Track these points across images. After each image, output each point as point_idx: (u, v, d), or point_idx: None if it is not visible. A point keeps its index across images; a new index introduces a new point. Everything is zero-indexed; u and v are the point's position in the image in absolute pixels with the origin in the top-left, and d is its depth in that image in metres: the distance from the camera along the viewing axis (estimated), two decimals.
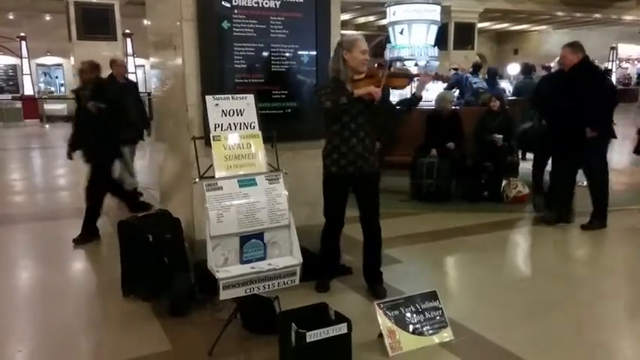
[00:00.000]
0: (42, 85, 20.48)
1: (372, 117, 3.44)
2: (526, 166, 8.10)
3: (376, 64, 3.76)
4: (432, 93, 7.71)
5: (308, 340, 2.47)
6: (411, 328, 2.94)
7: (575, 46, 5.06)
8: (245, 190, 2.80)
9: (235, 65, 3.71)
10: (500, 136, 6.32)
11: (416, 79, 3.69)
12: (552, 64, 10.87)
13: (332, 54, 3.55)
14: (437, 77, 7.89)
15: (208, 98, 2.88)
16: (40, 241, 5.21)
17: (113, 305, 3.57)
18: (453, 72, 12.12)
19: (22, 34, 18.59)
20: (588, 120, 4.94)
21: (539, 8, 19.36)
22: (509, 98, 8.90)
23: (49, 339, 3.18)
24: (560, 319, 3.37)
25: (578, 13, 20.39)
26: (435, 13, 13.54)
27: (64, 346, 3.09)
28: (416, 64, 13.40)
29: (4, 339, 3.21)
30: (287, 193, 2.91)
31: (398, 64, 13.81)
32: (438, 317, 3.02)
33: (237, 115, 2.91)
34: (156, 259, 3.47)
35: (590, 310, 3.51)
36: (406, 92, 5.18)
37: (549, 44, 26.44)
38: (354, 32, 22.15)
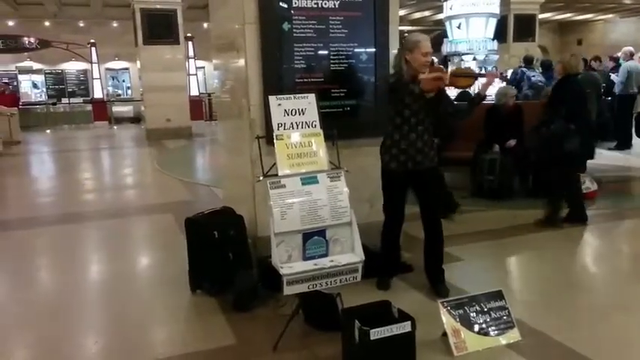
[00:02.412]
0: (110, 89, 21.42)
1: (432, 113, 3.42)
2: (595, 161, 7.80)
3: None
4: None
5: (372, 338, 2.48)
6: (476, 327, 2.90)
7: None
8: (307, 188, 2.85)
9: (295, 65, 3.77)
10: None
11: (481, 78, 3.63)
12: (620, 54, 10.42)
13: (394, 53, 3.55)
14: (500, 77, 7.67)
15: (271, 98, 2.95)
16: (111, 237, 5.46)
17: (181, 299, 3.70)
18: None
19: (92, 41, 19.53)
20: None
21: None
22: None
23: (122, 330, 3.35)
24: (633, 320, 3.23)
25: None
26: (493, 5, 13.17)
27: (137, 337, 3.24)
28: (474, 59, 13.09)
29: (83, 330, 3.41)
30: (348, 191, 2.93)
31: (455, 59, 13.55)
32: (504, 317, 2.96)
33: (299, 114, 2.97)
34: (221, 255, 3.59)
35: None
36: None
37: (616, 34, 25.10)
38: (412, 28, 21.91)
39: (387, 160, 3.49)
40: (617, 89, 9.44)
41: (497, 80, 6.18)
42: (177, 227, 5.06)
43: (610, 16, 24.00)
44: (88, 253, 5.12)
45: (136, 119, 18.97)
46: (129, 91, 21.70)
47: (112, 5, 17.70)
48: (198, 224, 3.75)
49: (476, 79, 3.68)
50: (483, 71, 9.69)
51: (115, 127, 18.32)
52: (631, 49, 9.94)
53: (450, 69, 3.44)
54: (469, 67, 8.89)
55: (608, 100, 9.71)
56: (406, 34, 3.49)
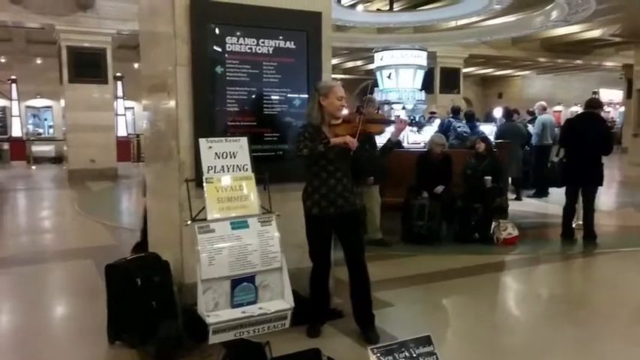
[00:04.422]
0: (30, 127, 20.45)
1: (349, 159, 3.49)
2: (516, 208, 8.21)
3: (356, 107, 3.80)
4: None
5: None
6: None
7: None
8: (237, 233, 2.78)
9: (228, 108, 3.74)
10: (489, 177, 6.37)
11: (392, 125, 3.75)
12: (534, 109, 11.20)
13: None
14: (415, 125, 7.99)
15: (202, 141, 2.89)
16: (24, 285, 5.07)
17: (98, 352, 3.46)
18: (429, 116, 12.39)
19: (13, 77, 18.71)
20: None
21: (522, 54, 19.94)
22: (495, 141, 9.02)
23: None
24: None
25: (560, 59, 21.01)
26: (421, 58, 13.91)
27: None
28: (403, 108, 13.66)
29: None
30: (279, 235, 2.88)
31: (386, 107, 14.06)
32: None
33: (231, 157, 2.92)
34: (143, 304, 3.39)
35: (586, 352, 3.49)
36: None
37: (533, 89, 27.12)
38: (344, 77, 22.63)
39: (310, 206, 3.48)
40: (534, 140, 10.06)
41: (408, 127, 6.40)
42: (97, 274, 4.77)
43: (527, 72, 25.92)
44: None
45: (58, 159, 18.11)
46: (51, 130, 20.79)
47: (36, 42, 17.10)
48: (120, 271, 3.54)
49: (387, 125, 3.80)
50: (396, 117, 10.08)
51: (34, 168, 17.37)
52: (543, 103, 10.75)
53: (362, 117, 3.50)
54: (381, 113, 9.21)
55: (527, 150, 10.32)
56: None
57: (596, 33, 16.35)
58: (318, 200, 3.45)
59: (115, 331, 3.53)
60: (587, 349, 3.55)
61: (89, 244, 6.55)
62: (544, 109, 10.51)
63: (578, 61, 21.45)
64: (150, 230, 4.77)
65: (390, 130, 3.86)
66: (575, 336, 3.74)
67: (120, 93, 18.88)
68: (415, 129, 7.23)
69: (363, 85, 23.94)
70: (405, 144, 8.82)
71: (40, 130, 20.85)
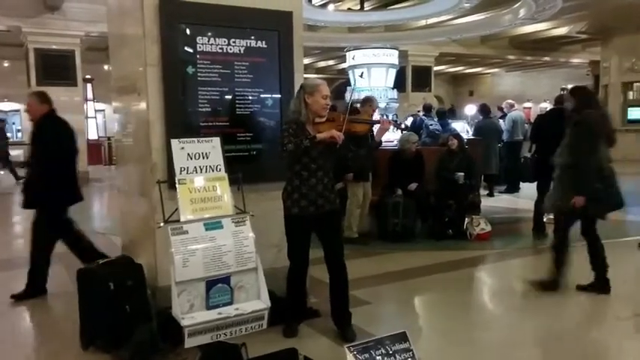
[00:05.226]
0: None
1: (332, 158, 3.50)
2: (488, 203, 8.34)
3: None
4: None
5: None
6: None
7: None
8: (211, 234, 2.76)
9: (200, 109, 3.71)
10: (462, 174, 6.45)
11: (376, 125, 3.77)
12: (503, 105, 11.41)
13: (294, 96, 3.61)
14: (395, 125, 8.02)
15: (174, 142, 2.87)
16: None
17: (71, 359, 3.39)
18: (410, 114, 12.49)
19: None
20: None
21: (491, 52, 20.28)
22: (470, 138, 9.14)
23: None
24: (531, 357, 3.38)
25: (529, 57, 21.43)
26: (392, 57, 13.99)
27: None
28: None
29: None
30: (254, 236, 2.88)
31: (359, 105, 14.12)
32: (409, 359, 2.98)
33: (203, 158, 2.90)
34: (117, 308, 3.34)
35: (561, 344, 3.55)
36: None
37: (502, 86, 27.60)
38: (317, 76, 22.64)
39: (289, 205, 3.48)
40: (505, 137, 10.22)
41: (391, 127, 6.44)
42: (68, 279, 4.69)
43: (497, 70, 26.35)
44: None
45: (27, 164, 17.65)
46: (19, 134, 20.32)
47: (3, 44, 16.67)
48: (92, 275, 3.49)
49: (372, 125, 3.83)
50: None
51: (2, 172, 16.94)
52: (511, 101, 10.99)
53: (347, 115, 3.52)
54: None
55: (499, 147, 10.48)
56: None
57: (562, 30, 16.72)
58: (298, 199, 3.44)
59: (88, 337, 3.47)
60: (561, 341, 3.61)
61: (60, 249, 6.36)
62: (512, 106, 10.72)
63: (546, 58, 21.91)
64: (123, 233, 4.72)
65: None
66: (549, 328, 3.82)
67: (90, 95, 18.57)
68: (398, 129, 7.28)
69: (336, 84, 23.99)
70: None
71: (9, 135, 20.33)
